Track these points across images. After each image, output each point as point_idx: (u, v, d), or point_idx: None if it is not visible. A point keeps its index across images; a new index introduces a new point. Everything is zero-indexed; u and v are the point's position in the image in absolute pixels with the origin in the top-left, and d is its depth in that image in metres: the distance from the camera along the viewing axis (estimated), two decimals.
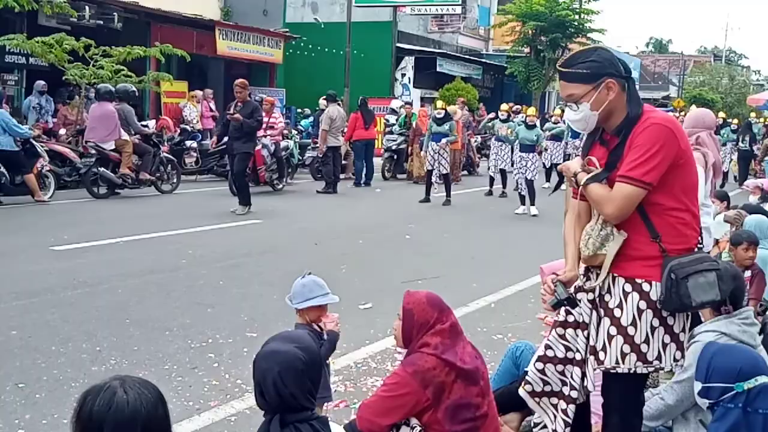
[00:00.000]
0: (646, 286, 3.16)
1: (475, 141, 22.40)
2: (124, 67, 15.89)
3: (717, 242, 8.18)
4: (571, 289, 3.37)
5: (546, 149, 16.73)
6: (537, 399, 3.49)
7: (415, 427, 3.47)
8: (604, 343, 3.25)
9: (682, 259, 3.10)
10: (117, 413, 1.95)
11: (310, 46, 27.44)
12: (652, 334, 3.18)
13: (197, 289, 7.43)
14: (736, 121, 25.75)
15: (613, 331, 3.22)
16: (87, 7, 18.06)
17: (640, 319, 3.18)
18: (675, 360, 3.23)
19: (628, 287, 3.19)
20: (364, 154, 17.65)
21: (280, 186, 15.64)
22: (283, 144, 15.84)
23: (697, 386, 3.13)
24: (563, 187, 14.31)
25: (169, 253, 8.96)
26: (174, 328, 6.14)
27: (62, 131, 15.49)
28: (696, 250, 3.18)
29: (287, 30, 26.44)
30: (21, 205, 12.18)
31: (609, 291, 3.24)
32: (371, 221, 12.46)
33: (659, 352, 3.19)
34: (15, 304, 6.58)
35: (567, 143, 18.96)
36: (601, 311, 3.27)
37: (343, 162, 18.07)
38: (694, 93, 50.08)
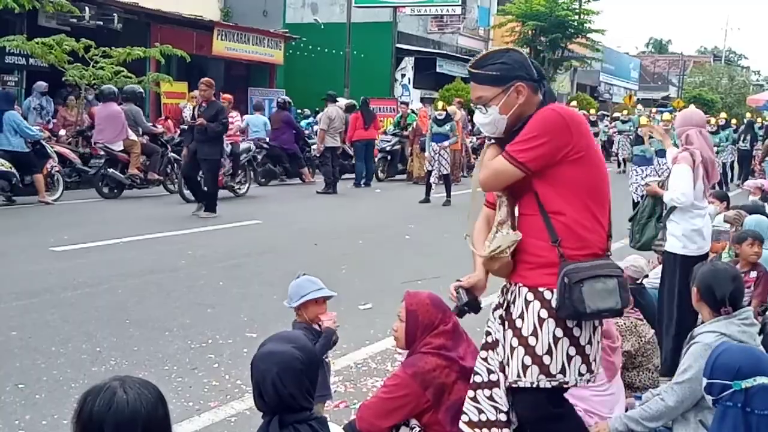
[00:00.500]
0: (547, 294, 3.01)
1: (470, 142, 22.35)
2: (124, 68, 15.90)
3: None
4: (482, 297, 3.26)
5: None
6: (477, 431, 3.24)
7: (414, 427, 3.48)
8: (508, 357, 3.10)
9: (581, 264, 2.94)
10: (117, 413, 1.95)
11: (310, 47, 27.45)
12: (555, 346, 3.00)
13: (197, 290, 7.43)
14: (734, 121, 25.78)
15: (515, 342, 3.06)
16: (87, 8, 18.08)
17: (541, 328, 3.01)
18: (580, 374, 3.04)
19: (530, 296, 3.04)
20: (364, 154, 17.66)
21: (243, 190, 14.61)
22: (243, 145, 14.77)
23: (704, 382, 3.13)
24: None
25: (169, 254, 8.96)
26: (174, 329, 6.14)
27: (62, 132, 15.49)
28: (604, 256, 3.03)
29: (287, 30, 26.46)
30: (23, 205, 12.18)
31: (514, 301, 3.11)
32: (371, 221, 12.47)
33: (563, 364, 3.01)
34: (15, 304, 6.58)
35: None
36: (506, 323, 3.14)
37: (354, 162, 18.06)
38: (693, 93, 50.12)
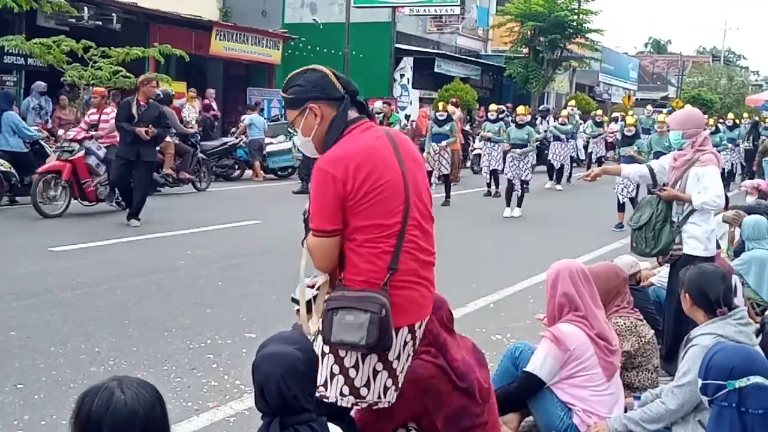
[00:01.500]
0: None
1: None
2: (123, 68, 15.89)
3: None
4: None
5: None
6: None
7: (411, 429, 3.48)
8: None
9: (347, 293, 2.97)
10: (115, 413, 1.95)
11: (309, 47, 27.43)
12: (323, 360, 3.04)
13: (197, 290, 7.43)
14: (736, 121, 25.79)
15: None
16: (86, 8, 18.07)
17: (314, 343, 3.09)
18: (342, 395, 3.04)
19: None
20: None
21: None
22: None
23: (699, 383, 3.14)
24: (558, 187, 14.23)
25: (168, 254, 8.96)
26: (173, 329, 6.14)
27: (60, 132, 15.48)
28: (378, 287, 2.96)
29: (286, 30, 26.45)
30: (23, 205, 12.17)
31: None
32: None
33: (326, 379, 3.05)
34: (14, 304, 6.58)
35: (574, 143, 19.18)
36: None
37: None
38: (692, 93, 50.06)
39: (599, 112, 25.13)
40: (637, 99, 47.40)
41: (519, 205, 13.63)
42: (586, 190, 18.84)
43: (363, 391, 3.03)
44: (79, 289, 7.18)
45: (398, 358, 3.05)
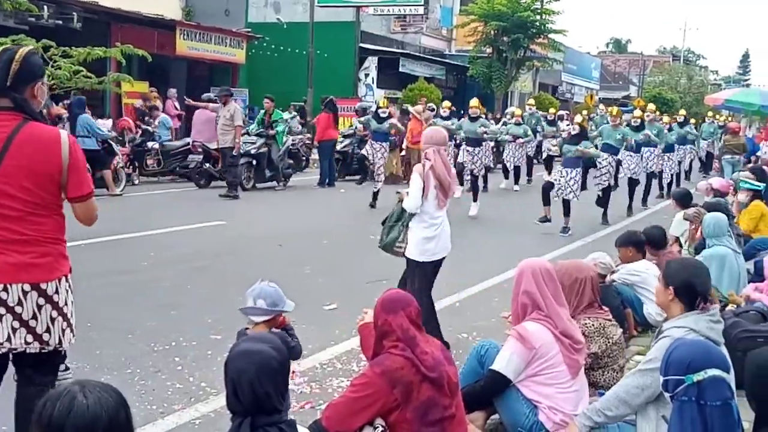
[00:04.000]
0: None
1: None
2: (83, 68, 15.66)
3: (677, 240, 8.38)
4: None
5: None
6: None
7: (378, 427, 3.48)
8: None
9: None
10: (77, 418, 1.92)
11: (273, 46, 27.35)
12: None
13: (161, 291, 7.36)
14: (693, 120, 26.22)
15: None
16: (46, 7, 17.81)
17: None
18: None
19: None
20: (330, 154, 17.64)
21: None
22: None
23: (660, 380, 3.18)
24: (516, 188, 14.31)
25: (131, 255, 8.87)
26: (137, 331, 6.07)
27: None
28: None
29: (249, 30, 26.32)
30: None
31: None
32: (336, 222, 12.45)
33: None
34: None
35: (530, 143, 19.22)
36: None
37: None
38: (653, 93, 50.75)
39: (551, 110, 25.08)
40: (599, 98, 47.91)
41: (474, 200, 13.54)
42: None
43: None
44: None
45: None
